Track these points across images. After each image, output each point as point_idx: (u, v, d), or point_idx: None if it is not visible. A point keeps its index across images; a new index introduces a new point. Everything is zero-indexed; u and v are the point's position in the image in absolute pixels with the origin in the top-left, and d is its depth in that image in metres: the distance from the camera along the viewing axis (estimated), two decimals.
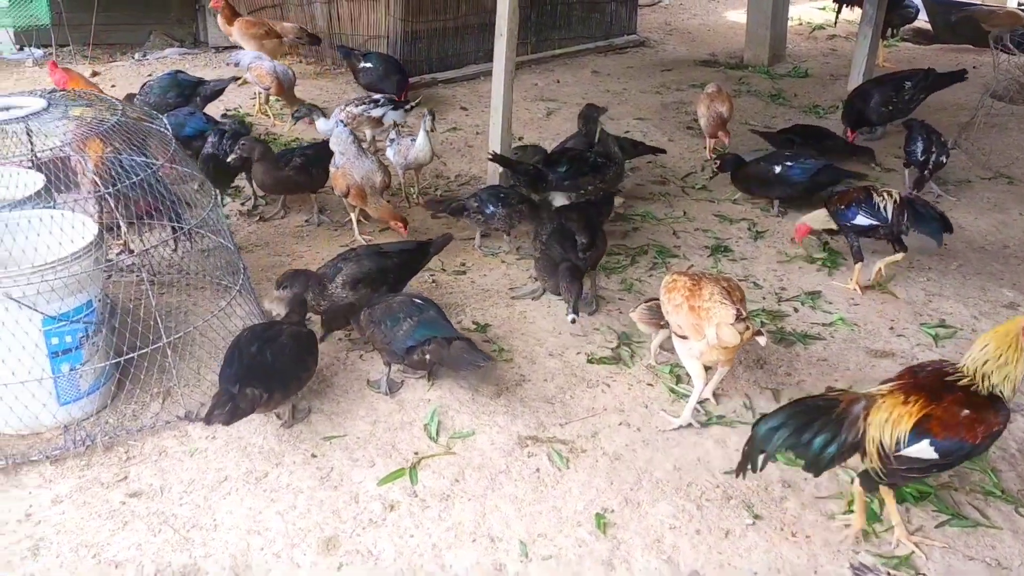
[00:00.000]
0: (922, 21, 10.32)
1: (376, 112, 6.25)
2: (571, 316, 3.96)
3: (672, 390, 3.90)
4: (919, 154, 5.78)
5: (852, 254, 4.80)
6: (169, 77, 6.59)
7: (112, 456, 3.42)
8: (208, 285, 4.53)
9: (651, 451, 3.53)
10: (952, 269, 5.06)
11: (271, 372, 3.42)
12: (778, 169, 5.68)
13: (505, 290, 4.73)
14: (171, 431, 3.56)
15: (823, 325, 4.46)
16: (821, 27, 11.34)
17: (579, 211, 4.74)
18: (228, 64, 7.60)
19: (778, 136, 6.55)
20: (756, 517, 3.19)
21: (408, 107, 6.51)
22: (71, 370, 3.47)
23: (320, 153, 5.37)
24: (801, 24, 11.48)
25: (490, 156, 5.54)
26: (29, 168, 4.01)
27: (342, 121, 5.70)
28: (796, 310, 4.61)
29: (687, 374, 3.72)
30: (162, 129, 3.98)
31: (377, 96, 6.49)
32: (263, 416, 3.60)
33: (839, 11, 10.87)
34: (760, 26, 9.50)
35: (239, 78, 7.25)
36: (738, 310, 3.49)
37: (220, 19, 7.97)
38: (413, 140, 5.65)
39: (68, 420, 3.52)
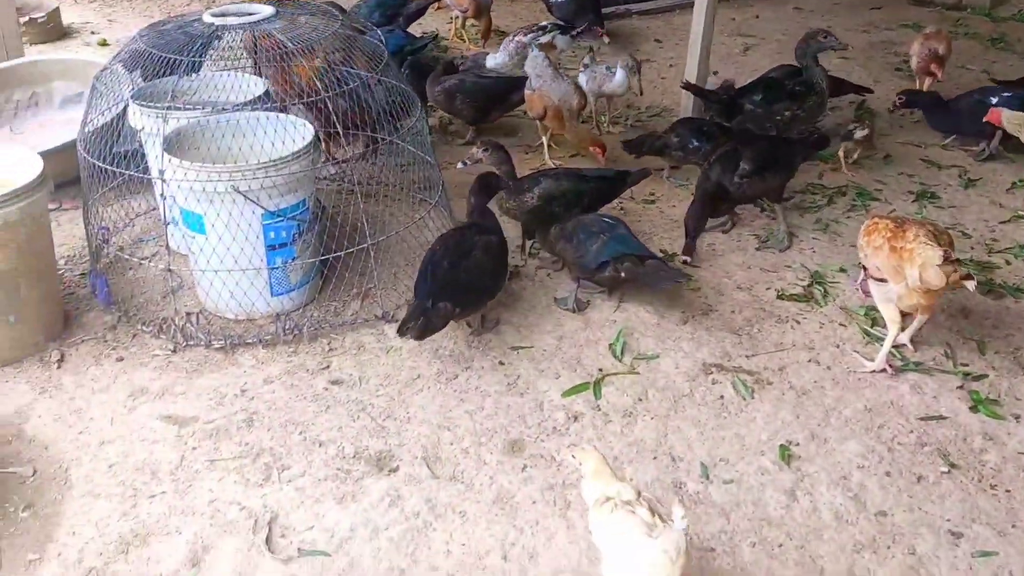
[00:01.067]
0: None
1: (545, 39, 6.26)
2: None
3: (866, 332, 3.77)
4: None
5: None
6: None
7: (316, 347, 3.66)
8: (404, 197, 4.71)
9: (840, 390, 3.44)
10: None
11: (463, 286, 3.54)
12: (995, 100, 5.26)
13: None
14: (369, 328, 3.77)
15: None
16: None
17: (761, 141, 4.58)
18: None
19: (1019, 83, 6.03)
20: (952, 466, 3.06)
21: (575, 33, 6.59)
22: (284, 263, 3.72)
23: (477, 86, 5.43)
24: None
25: (683, 84, 5.46)
26: (252, 73, 4.27)
27: (535, 46, 5.73)
28: (1008, 263, 4.32)
29: (883, 318, 3.59)
30: (376, 41, 4.12)
31: (544, 23, 6.49)
32: (454, 323, 3.74)
33: None
34: None
35: None
36: (946, 251, 3.33)
37: None
38: (609, 69, 5.61)
39: (279, 309, 3.79)
